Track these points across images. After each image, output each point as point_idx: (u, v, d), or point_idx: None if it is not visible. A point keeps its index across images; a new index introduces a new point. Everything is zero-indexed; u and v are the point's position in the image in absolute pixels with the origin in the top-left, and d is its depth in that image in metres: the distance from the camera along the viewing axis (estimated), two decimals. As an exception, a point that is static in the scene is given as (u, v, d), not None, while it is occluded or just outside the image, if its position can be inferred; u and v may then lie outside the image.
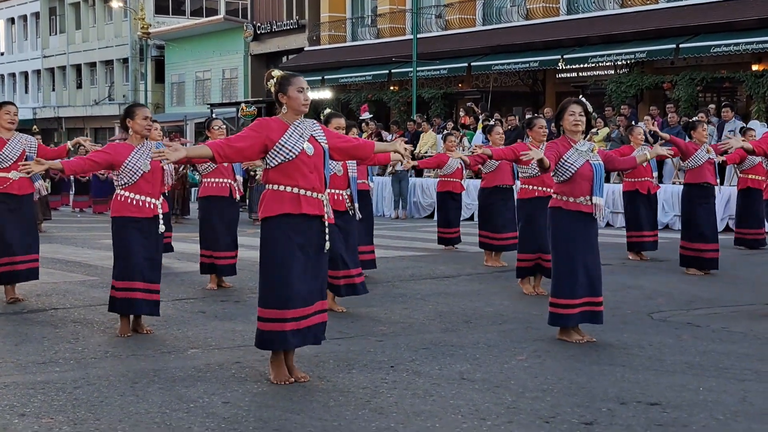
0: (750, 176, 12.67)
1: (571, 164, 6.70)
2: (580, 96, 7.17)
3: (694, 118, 12.91)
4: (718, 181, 10.37)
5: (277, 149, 5.48)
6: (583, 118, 6.82)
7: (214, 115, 34.38)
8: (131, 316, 7.19)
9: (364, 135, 25.09)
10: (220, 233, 9.46)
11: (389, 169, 20.98)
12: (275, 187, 5.54)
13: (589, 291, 6.79)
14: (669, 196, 16.41)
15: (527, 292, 9.12)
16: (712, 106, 19.97)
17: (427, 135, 22.51)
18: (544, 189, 8.83)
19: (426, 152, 22.03)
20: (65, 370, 5.93)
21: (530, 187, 9.10)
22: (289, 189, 5.51)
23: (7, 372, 5.88)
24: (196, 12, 47.30)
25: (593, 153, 6.80)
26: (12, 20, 57.31)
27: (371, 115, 25.74)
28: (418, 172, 22.12)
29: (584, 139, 6.91)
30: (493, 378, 5.72)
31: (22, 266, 8.64)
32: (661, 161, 15.65)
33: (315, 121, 5.79)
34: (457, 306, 8.46)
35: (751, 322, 7.57)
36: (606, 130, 19.15)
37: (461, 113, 24.73)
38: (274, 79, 5.62)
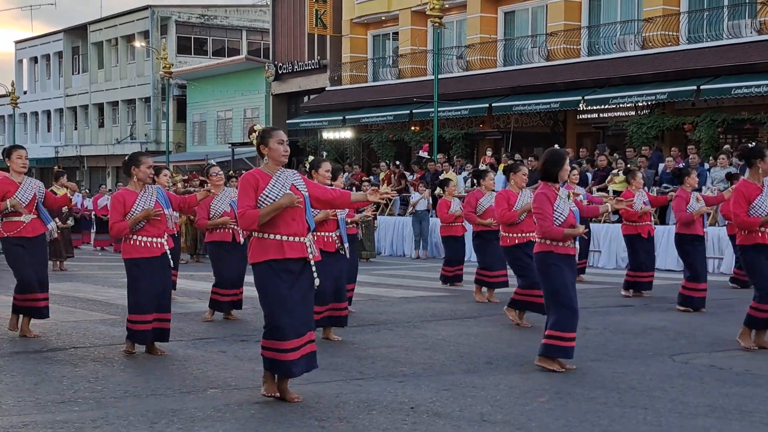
0: None
1: (561, 212, 7.14)
2: (556, 146, 7.76)
3: (681, 164, 13.21)
4: (705, 231, 11.29)
5: (262, 199, 5.93)
6: None
7: (235, 155, 34.75)
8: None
9: (382, 175, 25.21)
10: (225, 274, 10.11)
11: (356, 216, 20.96)
12: (259, 234, 5.98)
13: (576, 325, 7.28)
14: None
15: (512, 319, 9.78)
16: (727, 146, 20.00)
17: (448, 175, 22.52)
18: (523, 235, 9.73)
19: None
20: (84, 409, 5.93)
21: (511, 234, 9.89)
22: (271, 236, 5.95)
23: (26, 411, 5.88)
24: (218, 52, 47.82)
25: (570, 200, 7.28)
26: (35, 59, 58.10)
27: (428, 156, 25.79)
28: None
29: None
30: (515, 420, 5.67)
31: (41, 303, 8.84)
32: (665, 206, 16.28)
33: (295, 171, 6.23)
34: (478, 347, 8.42)
35: (776, 366, 7.48)
36: (627, 171, 19.09)
37: (488, 153, 24.81)
38: (256, 133, 6.07)
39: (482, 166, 23.66)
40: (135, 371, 7.21)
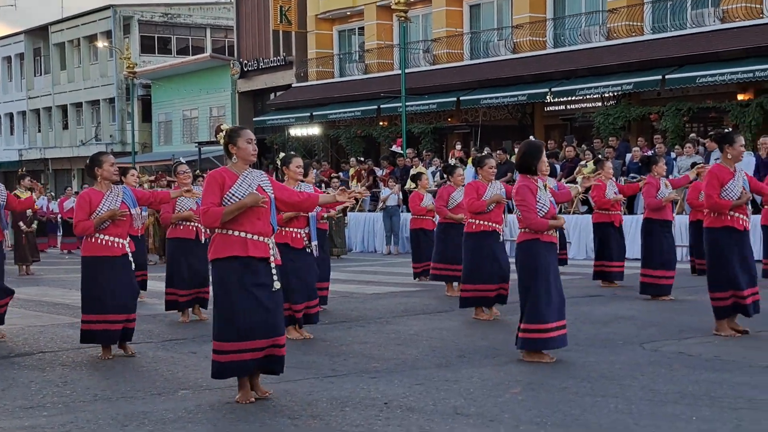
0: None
1: (543, 204, 7.19)
2: (531, 137, 7.85)
3: (650, 152, 13.43)
4: (674, 215, 11.59)
5: (228, 197, 5.91)
6: None
7: (202, 154, 34.53)
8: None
9: (351, 171, 25.18)
10: (186, 273, 9.93)
11: (380, 205, 21.08)
12: (224, 231, 5.96)
13: (559, 315, 7.25)
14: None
15: (484, 319, 9.70)
16: (693, 135, 20.17)
17: (417, 169, 22.51)
18: (490, 224, 9.64)
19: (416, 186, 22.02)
20: (53, 414, 5.86)
21: (477, 221, 9.73)
22: (236, 233, 5.93)
23: (-5, 417, 5.80)
24: (183, 50, 47.45)
25: (546, 190, 7.34)
26: (-4, 62, 57.37)
27: (399, 150, 25.71)
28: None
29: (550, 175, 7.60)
30: (488, 412, 5.67)
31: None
32: (633, 196, 16.53)
33: (263, 172, 6.21)
34: (450, 341, 8.42)
35: (743, 350, 7.54)
36: (594, 162, 19.19)
37: (457, 147, 24.82)
38: (224, 132, 6.07)
39: (452, 161, 23.70)
40: (104, 374, 7.14)
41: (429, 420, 5.50)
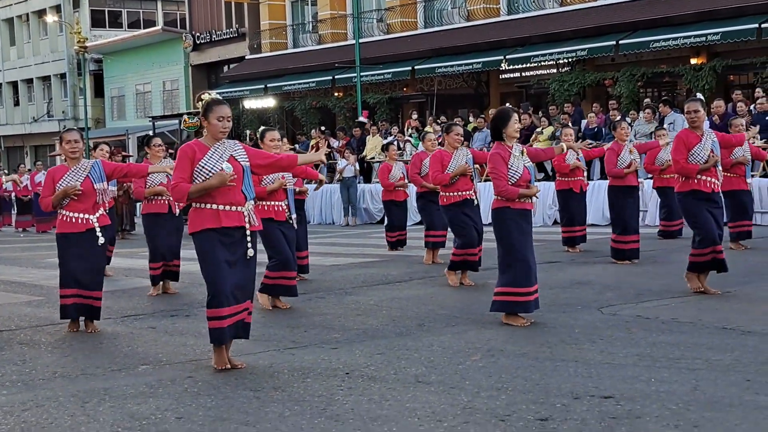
0: (664, 176, 13.12)
1: (516, 170, 7.25)
2: (507, 104, 7.91)
3: (618, 118, 13.65)
4: (640, 181, 11.67)
5: (198, 170, 6.00)
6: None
7: (156, 128, 34.18)
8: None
9: (313, 141, 25.05)
10: (165, 245, 10.07)
11: (337, 176, 21.10)
12: (197, 205, 6.07)
13: (535, 279, 7.36)
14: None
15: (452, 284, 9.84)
16: (647, 100, 20.34)
17: (374, 139, 22.50)
18: (459, 194, 9.77)
19: (373, 157, 22.03)
20: (12, 392, 5.80)
21: (448, 194, 9.88)
22: (208, 206, 6.03)
23: (-48, 398, 5.73)
24: (134, 24, 46.78)
25: (524, 155, 7.38)
26: (-56, 39, 56.16)
27: (366, 121, 25.59)
28: (367, 179, 22.11)
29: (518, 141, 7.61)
30: (448, 379, 5.71)
31: None
32: (588, 162, 16.63)
33: (236, 142, 6.26)
34: (410, 310, 8.45)
35: (699, 312, 7.65)
36: (550, 128, 19.32)
37: (414, 116, 24.76)
38: (203, 102, 6.14)
39: (408, 131, 23.68)
40: (63, 352, 7.08)
41: (391, 389, 5.53)
